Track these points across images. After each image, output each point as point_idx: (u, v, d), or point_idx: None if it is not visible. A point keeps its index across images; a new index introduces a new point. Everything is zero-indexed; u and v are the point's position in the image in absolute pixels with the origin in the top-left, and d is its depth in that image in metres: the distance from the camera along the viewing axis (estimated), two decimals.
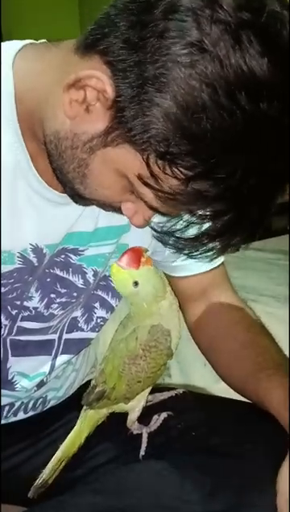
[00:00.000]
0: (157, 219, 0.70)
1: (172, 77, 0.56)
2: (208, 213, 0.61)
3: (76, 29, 3.38)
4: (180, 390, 0.87)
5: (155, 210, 0.65)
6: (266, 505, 0.70)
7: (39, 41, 0.74)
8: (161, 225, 0.69)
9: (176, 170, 0.59)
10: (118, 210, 0.70)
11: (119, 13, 0.60)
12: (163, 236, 0.68)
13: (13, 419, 0.89)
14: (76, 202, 0.72)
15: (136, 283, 0.75)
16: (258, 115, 0.56)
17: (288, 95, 0.57)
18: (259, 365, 0.80)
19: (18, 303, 0.78)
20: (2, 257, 0.73)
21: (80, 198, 0.70)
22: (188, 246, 0.65)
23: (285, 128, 0.58)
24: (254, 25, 0.56)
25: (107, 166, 0.64)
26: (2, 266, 0.73)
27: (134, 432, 0.82)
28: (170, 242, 0.67)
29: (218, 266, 0.91)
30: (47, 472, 0.81)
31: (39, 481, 0.80)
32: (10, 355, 0.82)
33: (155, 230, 0.69)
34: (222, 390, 0.92)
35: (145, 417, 0.82)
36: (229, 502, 0.71)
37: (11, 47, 0.72)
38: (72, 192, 0.70)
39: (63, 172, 0.68)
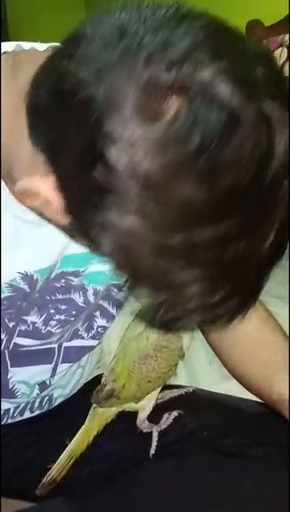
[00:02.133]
0: None
1: (109, 236, 0.50)
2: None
3: (81, 16, 3.37)
4: (190, 389, 0.87)
5: None
6: (281, 507, 0.70)
7: (13, 48, 0.65)
8: None
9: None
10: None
11: (50, 104, 0.51)
12: None
13: (19, 418, 0.89)
14: None
15: None
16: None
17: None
18: (273, 366, 0.80)
19: (15, 316, 0.76)
20: None
21: None
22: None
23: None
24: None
25: None
26: None
27: (144, 431, 0.82)
28: None
29: None
30: (55, 470, 0.81)
31: (47, 479, 0.80)
32: (9, 366, 0.81)
33: None
34: (229, 389, 0.92)
35: (155, 415, 0.82)
36: (243, 504, 0.72)
37: None
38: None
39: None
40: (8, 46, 0.65)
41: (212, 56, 0.44)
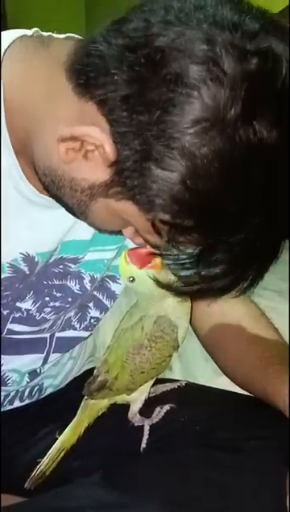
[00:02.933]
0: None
1: (178, 155, 0.53)
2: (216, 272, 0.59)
3: (81, 15, 3.36)
4: (183, 382, 0.86)
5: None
6: (274, 501, 0.69)
7: (32, 32, 0.69)
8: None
9: (184, 235, 0.57)
10: (118, 233, 0.68)
11: (116, 60, 0.55)
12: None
13: (9, 407, 0.88)
14: (75, 217, 0.69)
15: (132, 279, 0.74)
16: (269, 188, 0.54)
17: None
18: (267, 360, 0.79)
19: (11, 303, 0.76)
20: None
21: (79, 219, 0.68)
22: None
23: None
24: (262, 91, 0.52)
25: (110, 211, 0.62)
26: None
27: (136, 424, 0.80)
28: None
29: None
30: (45, 463, 0.79)
31: (36, 472, 0.79)
32: (0, 354, 0.80)
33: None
34: (224, 384, 0.90)
35: (147, 409, 0.80)
36: (236, 498, 0.70)
37: (2, 40, 0.66)
38: (72, 214, 0.67)
39: (61, 202, 0.65)
40: (26, 31, 0.68)
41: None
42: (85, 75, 0.57)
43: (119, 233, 0.68)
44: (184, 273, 0.62)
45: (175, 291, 0.65)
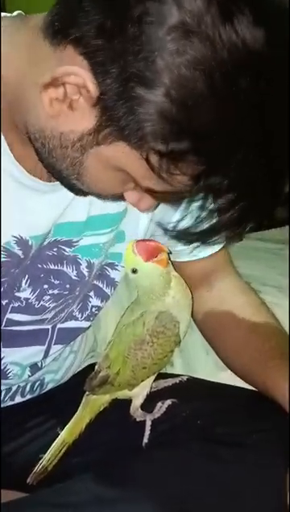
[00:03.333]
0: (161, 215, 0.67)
1: (159, 68, 0.51)
2: (220, 205, 0.58)
3: None
4: (184, 377, 0.86)
5: (162, 200, 0.63)
6: (275, 495, 0.69)
7: (14, 14, 0.69)
8: (171, 224, 0.66)
9: (179, 167, 0.55)
10: (120, 198, 0.66)
11: None
12: (175, 234, 0.65)
13: (10, 403, 0.88)
14: (73, 193, 0.68)
15: (135, 271, 0.74)
16: (261, 96, 0.52)
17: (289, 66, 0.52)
18: (266, 353, 0.79)
19: (9, 292, 0.76)
20: None
21: (78, 191, 0.67)
22: (201, 239, 0.62)
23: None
24: None
25: (103, 163, 0.60)
26: None
27: (138, 419, 0.80)
28: (182, 238, 0.64)
29: (220, 250, 0.89)
30: (47, 459, 0.79)
31: (38, 468, 0.79)
32: (1, 346, 0.80)
33: (165, 229, 0.67)
34: (225, 379, 0.91)
35: (149, 404, 0.80)
36: (237, 492, 0.70)
37: None
38: (69, 187, 0.66)
39: (56, 169, 0.64)
40: (7, 14, 0.68)
41: None
42: (59, 21, 0.57)
43: (121, 198, 0.66)
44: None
45: (183, 234, 0.63)
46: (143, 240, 0.76)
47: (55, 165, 0.63)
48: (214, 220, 0.59)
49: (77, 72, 0.55)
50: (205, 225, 0.60)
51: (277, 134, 0.55)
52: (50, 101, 0.57)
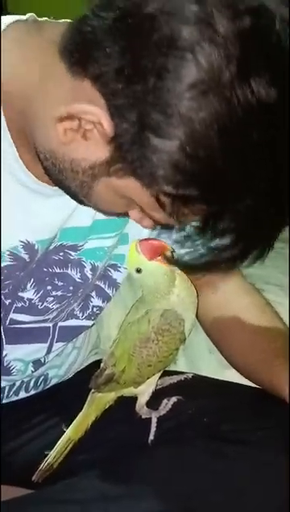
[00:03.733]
0: None
1: (176, 122, 0.52)
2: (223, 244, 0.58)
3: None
4: (189, 375, 0.86)
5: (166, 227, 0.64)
6: (280, 493, 0.69)
7: (27, 17, 0.68)
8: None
9: (189, 208, 0.57)
10: (124, 215, 0.68)
11: (107, 33, 0.54)
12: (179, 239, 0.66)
13: (14, 398, 0.88)
14: (79, 203, 0.69)
15: (139, 270, 0.74)
16: (271, 147, 0.53)
17: None
18: (272, 352, 0.79)
19: (12, 293, 0.76)
20: None
21: (83, 204, 0.68)
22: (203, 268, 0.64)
23: None
24: (256, 49, 0.51)
25: (112, 191, 0.61)
26: None
27: (143, 417, 0.80)
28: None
29: None
30: (52, 456, 0.80)
31: (44, 465, 0.79)
32: (4, 343, 0.81)
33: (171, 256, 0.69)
34: (229, 377, 0.91)
35: (154, 401, 0.81)
36: (242, 490, 0.71)
37: None
38: (75, 200, 0.67)
39: (64, 186, 0.65)
40: (20, 17, 0.67)
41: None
42: (78, 52, 0.57)
43: (125, 215, 0.67)
44: (192, 248, 0.62)
45: (184, 266, 0.64)
46: (146, 239, 0.76)
47: (63, 182, 0.64)
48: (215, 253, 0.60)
49: (94, 113, 0.56)
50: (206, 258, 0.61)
51: (286, 183, 0.56)
52: (64, 130, 0.58)
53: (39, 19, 0.68)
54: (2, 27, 0.65)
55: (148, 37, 0.52)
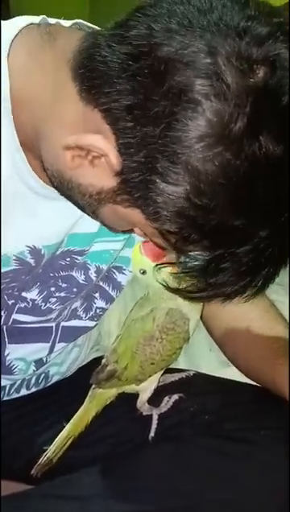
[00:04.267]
0: None
1: (183, 170, 0.52)
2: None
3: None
4: (191, 372, 0.86)
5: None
6: (282, 492, 0.70)
7: (39, 19, 0.66)
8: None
9: (193, 245, 0.57)
10: (129, 232, 0.69)
11: (119, 68, 0.54)
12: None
13: (15, 395, 0.88)
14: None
15: (144, 272, 0.74)
16: (275, 202, 0.54)
17: None
18: (276, 351, 0.79)
19: (16, 293, 0.76)
20: None
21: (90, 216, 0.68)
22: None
23: None
24: (268, 105, 0.51)
25: (117, 216, 0.62)
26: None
27: (144, 413, 0.80)
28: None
29: None
30: (52, 451, 0.79)
31: (43, 459, 0.79)
32: (6, 342, 0.81)
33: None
34: (228, 375, 0.91)
35: (155, 398, 0.81)
36: (244, 489, 0.71)
37: (8, 29, 0.64)
38: (82, 212, 0.67)
39: (71, 200, 0.65)
40: (33, 19, 0.66)
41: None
42: (89, 81, 0.57)
43: (130, 231, 0.68)
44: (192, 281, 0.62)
45: (184, 297, 0.65)
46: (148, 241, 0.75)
47: (72, 198, 0.65)
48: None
49: (102, 147, 0.56)
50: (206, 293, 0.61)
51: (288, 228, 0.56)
52: (72, 157, 0.58)
53: (50, 22, 0.67)
54: (16, 30, 0.64)
55: (160, 82, 0.52)
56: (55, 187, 0.65)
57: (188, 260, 0.59)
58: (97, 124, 0.56)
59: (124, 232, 0.69)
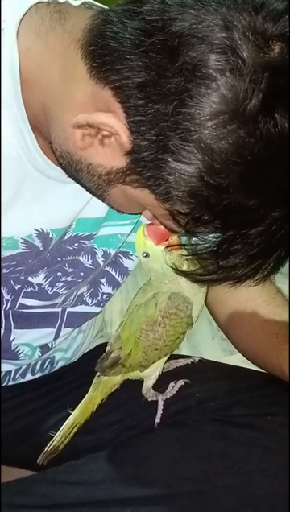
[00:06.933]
0: None
1: (195, 148, 0.51)
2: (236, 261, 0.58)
3: None
4: (196, 359, 0.86)
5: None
6: (284, 478, 0.69)
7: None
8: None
9: (203, 226, 0.56)
10: (137, 213, 0.68)
11: (131, 44, 0.53)
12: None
13: (21, 380, 0.88)
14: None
15: (147, 255, 0.74)
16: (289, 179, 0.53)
17: None
18: (283, 338, 0.79)
19: (22, 278, 0.76)
20: (3, 243, 0.68)
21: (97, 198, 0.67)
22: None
23: None
24: (284, 81, 0.50)
25: (127, 198, 0.61)
26: (3, 251, 0.69)
27: (149, 399, 0.80)
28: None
29: None
30: (58, 438, 0.79)
31: (49, 447, 0.79)
32: (12, 327, 0.81)
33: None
34: (231, 362, 0.91)
35: (161, 384, 0.81)
36: (250, 475, 0.71)
37: (17, 8, 0.63)
38: (90, 193, 0.67)
39: (79, 182, 0.65)
40: None
41: None
42: (100, 58, 0.56)
43: (138, 213, 0.67)
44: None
45: (193, 279, 0.64)
46: (153, 224, 0.75)
47: (80, 180, 0.64)
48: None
49: (113, 125, 0.55)
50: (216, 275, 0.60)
51: None
52: (82, 136, 0.58)
53: (60, 1, 0.66)
54: (25, 9, 0.63)
55: (173, 58, 0.51)
56: (64, 169, 0.64)
57: (198, 242, 0.58)
58: (107, 102, 0.56)
59: (132, 214, 0.68)
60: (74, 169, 0.62)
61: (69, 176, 0.65)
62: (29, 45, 0.62)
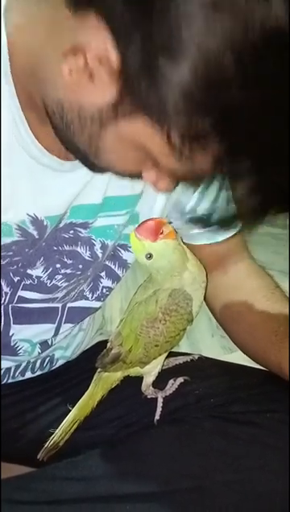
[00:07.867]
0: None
1: (186, 44, 0.48)
2: (240, 192, 0.56)
3: None
4: (195, 356, 0.86)
5: (182, 179, 0.62)
6: (284, 475, 0.70)
7: None
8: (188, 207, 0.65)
9: (201, 145, 0.53)
10: (138, 177, 0.64)
11: None
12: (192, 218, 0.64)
13: (20, 378, 0.88)
14: (91, 171, 0.66)
15: (150, 255, 0.73)
16: (288, 79, 0.50)
17: None
18: (281, 334, 0.79)
19: (21, 270, 0.76)
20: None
21: (95, 168, 0.65)
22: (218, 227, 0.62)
23: None
24: None
25: (122, 139, 0.58)
26: (1, 237, 0.69)
27: (149, 396, 0.81)
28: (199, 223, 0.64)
29: (235, 234, 0.89)
30: (58, 434, 0.79)
31: (49, 443, 0.79)
32: (12, 322, 0.81)
33: (183, 213, 0.67)
34: (231, 360, 0.91)
35: (160, 381, 0.81)
36: (250, 472, 0.71)
37: None
38: (86, 163, 0.64)
39: (73, 144, 0.62)
40: None
41: None
42: None
43: (140, 177, 0.64)
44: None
45: (200, 220, 0.63)
46: (141, 223, 0.73)
47: (72, 140, 0.61)
48: (232, 207, 0.59)
49: (99, 42, 0.53)
50: (223, 213, 0.59)
51: None
52: (69, 71, 0.55)
53: None
54: None
55: None
56: (56, 132, 0.62)
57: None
58: (92, 27, 0.53)
59: (132, 176, 0.65)
60: (66, 123, 0.60)
61: (63, 142, 0.63)
62: (12, 23, 0.61)
